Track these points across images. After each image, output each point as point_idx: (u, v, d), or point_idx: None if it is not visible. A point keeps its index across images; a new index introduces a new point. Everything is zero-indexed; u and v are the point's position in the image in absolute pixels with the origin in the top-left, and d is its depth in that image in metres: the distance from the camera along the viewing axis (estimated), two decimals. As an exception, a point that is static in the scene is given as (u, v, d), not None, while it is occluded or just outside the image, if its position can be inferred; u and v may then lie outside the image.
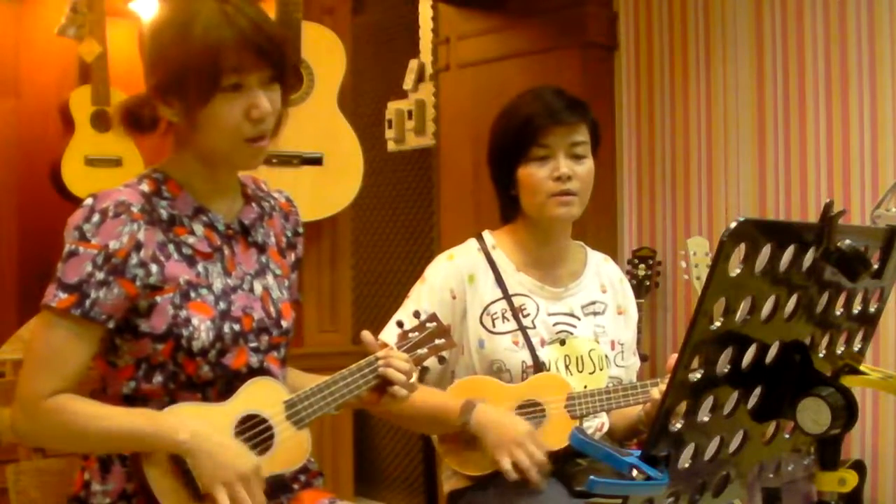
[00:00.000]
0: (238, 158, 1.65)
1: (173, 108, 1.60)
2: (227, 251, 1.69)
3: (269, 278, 1.75)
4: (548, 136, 2.07)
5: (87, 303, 1.55)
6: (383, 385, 1.74)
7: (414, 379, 1.77)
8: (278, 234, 1.80)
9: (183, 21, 1.57)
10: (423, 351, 1.85)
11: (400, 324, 1.93)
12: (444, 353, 1.92)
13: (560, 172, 2.06)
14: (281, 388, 1.68)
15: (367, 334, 1.78)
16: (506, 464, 1.93)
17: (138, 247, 1.58)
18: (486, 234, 2.21)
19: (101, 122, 3.53)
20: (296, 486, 1.76)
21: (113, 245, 1.56)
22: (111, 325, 1.58)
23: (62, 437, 1.59)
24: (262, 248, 1.75)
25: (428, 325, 1.88)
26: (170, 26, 1.59)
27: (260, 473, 1.58)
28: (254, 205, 1.76)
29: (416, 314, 1.92)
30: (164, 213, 1.63)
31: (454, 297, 2.11)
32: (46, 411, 1.55)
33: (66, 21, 3.48)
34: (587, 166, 2.11)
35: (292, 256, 1.83)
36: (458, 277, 2.13)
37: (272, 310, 1.72)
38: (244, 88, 1.58)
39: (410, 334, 1.86)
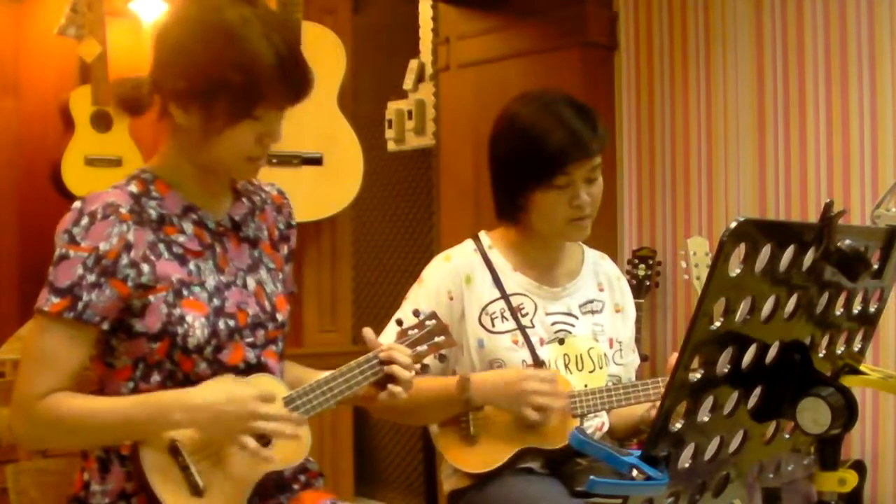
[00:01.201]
0: (236, 173, 1.69)
1: (189, 115, 1.60)
2: (218, 248, 1.69)
3: (263, 272, 1.75)
4: (573, 167, 2.03)
5: (80, 305, 1.55)
6: (382, 381, 1.74)
7: (412, 375, 1.77)
8: (271, 227, 1.80)
9: (220, 33, 1.56)
10: (422, 348, 1.86)
11: (399, 322, 1.93)
12: (444, 352, 1.92)
13: (581, 201, 2.05)
14: (280, 385, 1.68)
15: (368, 331, 1.78)
16: (530, 414, 1.96)
17: (128, 247, 1.58)
18: (483, 235, 2.21)
19: (101, 122, 3.53)
20: (296, 487, 1.76)
21: (103, 247, 1.56)
22: (105, 326, 1.58)
23: (60, 435, 1.59)
24: (254, 243, 1.76)
25: (427, 322, 1.88)
26: (205, 38, 1.57)
27: (263, 397, 1.58)
28: (244, 200, 1.77)
29: (416, 312, 1.92)
30: (153, 213, 1.63)
31: (451, 299, 2.11)
32: (43, 411, 1.55)
33: (66, 21, 3.48)
34: (599, 185, 2.09)
35: (285, 249, 1.83)
36: (455, 279, 2.12)
37: (267, 304, 1.72)
38: (264, 116, 1.60)
39: (410, 332, 1.86)
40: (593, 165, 2.06)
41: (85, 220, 1.57)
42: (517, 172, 2.07)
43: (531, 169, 2.04)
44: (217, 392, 1.57)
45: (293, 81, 1.59)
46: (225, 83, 1.55)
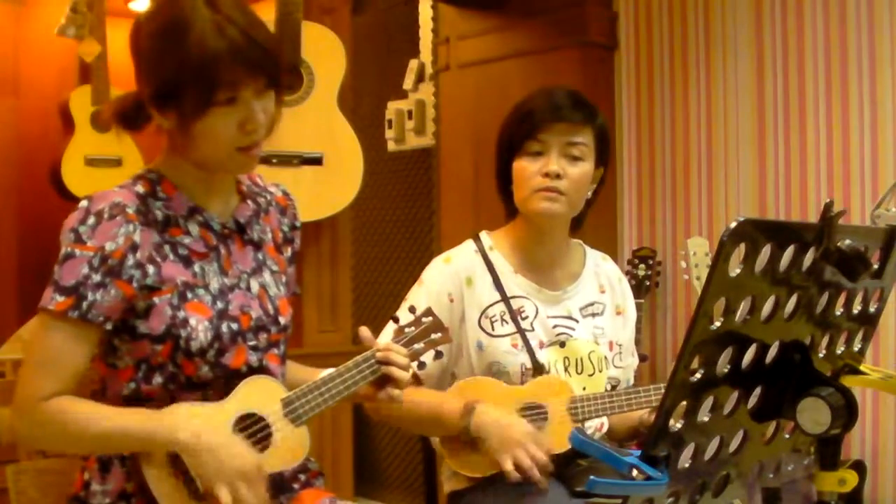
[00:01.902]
0: (231, 165, 1.66)
1: (167, 118, 1.60)
2: (223, 250, 1.69)
3: (266, 275, 1.75)
4: (545, 132, 2.06)
5: (85, 305, 1.55)
6: (380, 380, 1.74)
7: (409, 375, 1.77)
8: (275, 230, 1.80)
9: (175, 32, 1.55)
10: (419, 346, 1.86)
11: (395, 319, 1.92)
12: (441, 348, 1.92)
13: (549, 169, 2.05)
14: (278, 386, 1.68)
15: (364, 330, 1.78)
16: (508, 465, 1.92)
17: (134, 248, 1.58)
18: (484, 235, 2.21)
19: (101, 122, 3.52)
20: (296, 486, 1.76)
21: (109, 247, 1.56)
22: (109, 326, 1.58)
23: (61, 439, 1.59)
24: (258, 246, 1.75)
25: (424, 319, 1.88)
26: (162, 37, 1.57)
27: (262, 470, 1.58)
28: (249, 202, 1.76)
29: (412, 309, 1.92)
30: (159, 214, 1.63)
31: (452, 301, 2.11)
32: (45, 414, 1.55)
33: (66, 21, 3.48)
34: (581, 169, 2.08)
35: (289, 251, 1.83)
36: (456, 280, 2.12)
37: (270, 307, 1.72)
38: (239, 101, 1.58)
39: (406, 329, 1.86)
40: (570, 139, 2.07)
41: (91, 220, 1.57)
42: (501, 145, 2.13)
43: (509, 136, 2.10)
44: (225, 438, 1.57)
45: (249, 62, 1.56)
46: (182, 77, 1.54)
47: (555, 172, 2.05)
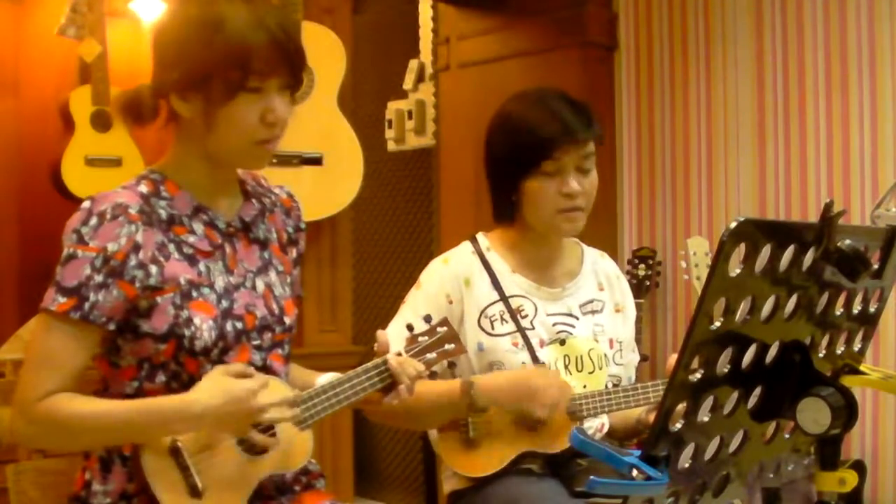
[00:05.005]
0: (246, 159, 1.66)
1: (191, 105, 1.60)
2: (228, 249, 1.69)
3: (272, 275, 1.75)
4: (561, 152, 2.04)
5: (87, 306, 1.55)
6: (386, 387, 1.74)
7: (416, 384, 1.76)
8: (280, 230, 1.80)
9: (212, 20, 1.58)
10: (432, 356, 1.83)
11: (410, 327, 1.91)
12: (454, 359, 1.90)
13: (570, 190, 2.04)
14: (286, 389, 1.68)
15: (382, 334, 1.77)
16: (541, 412, 1.96)
17: (136, 248, 1.58)
18: (480, 237, 2.20)
19: (101, 122, 3.53)
20: (297, 488, 1.76)
21: (111, 247, 1.56)
22: (111, 326, 1.58)
23: (60, 436, 1.59)
24: (263, 245, 1.75)
25: (438, 329, 1.86)
26: (198, 24, 1.59)
27: (259, 388, 1.57)
28: (254, 201, 1.76)
29: (427, 318, 1.91)
30: (163, 213, 1.63)
31: (451, 302, 2.10)
32: (44, 412, 1.55)
33: (66, 21, 3.48)
34: (592, 178, 2.09)
35: (294, 252, 1.83)
36: (454, 282, 2.12)
37: (275, 307, 1.72)
38: (264, 91, 1.60)
39: (420, 338, 1.84)
40: (583, 154, 2.06)
41: (94, 220, 1.57)
42: (508, 164, 2.09)
43: (520, 157, 2.06)
44: (214, 394, 1.56)
45: (283, 50, 1.59)
46: (216, 62, 1.56)
47: (577, 193, 2.05)
